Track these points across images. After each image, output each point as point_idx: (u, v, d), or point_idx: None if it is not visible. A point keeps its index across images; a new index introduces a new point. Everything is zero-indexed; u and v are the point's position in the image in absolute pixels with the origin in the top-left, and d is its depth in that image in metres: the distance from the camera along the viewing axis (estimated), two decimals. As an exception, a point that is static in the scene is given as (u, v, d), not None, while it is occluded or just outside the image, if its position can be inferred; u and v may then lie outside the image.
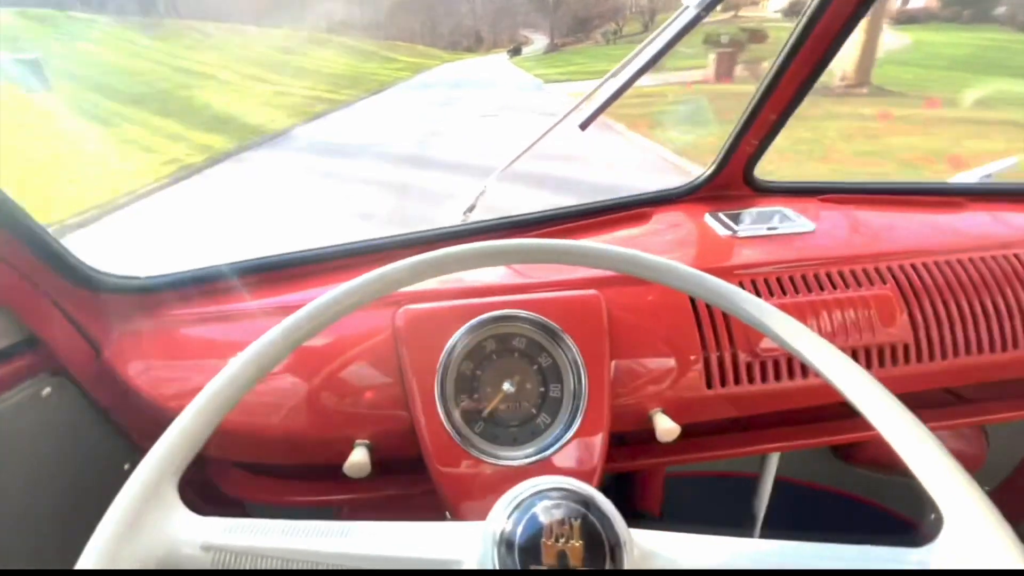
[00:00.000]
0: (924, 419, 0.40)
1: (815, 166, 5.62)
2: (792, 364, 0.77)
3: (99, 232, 4.75)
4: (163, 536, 0.38)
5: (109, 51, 15.09)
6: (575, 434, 0.66)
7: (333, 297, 0.47)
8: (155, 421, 0.55)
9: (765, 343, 0.76)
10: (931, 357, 0.80)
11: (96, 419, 0.76)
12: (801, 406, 0.82)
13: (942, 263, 0.84)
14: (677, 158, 6.11)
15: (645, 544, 0.39)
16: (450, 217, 0.96)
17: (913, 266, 0.83)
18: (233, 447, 0.74)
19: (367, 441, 0.69)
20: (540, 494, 0.41)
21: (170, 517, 0.39)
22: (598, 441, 0.66)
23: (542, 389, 0.69)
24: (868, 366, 0.79)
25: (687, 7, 0.77)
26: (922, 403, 0.92)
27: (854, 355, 0.77)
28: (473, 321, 0.69)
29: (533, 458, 0.65)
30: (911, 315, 0.80)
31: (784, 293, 0.80)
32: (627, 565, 0.38)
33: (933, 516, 0.38)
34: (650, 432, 0.70)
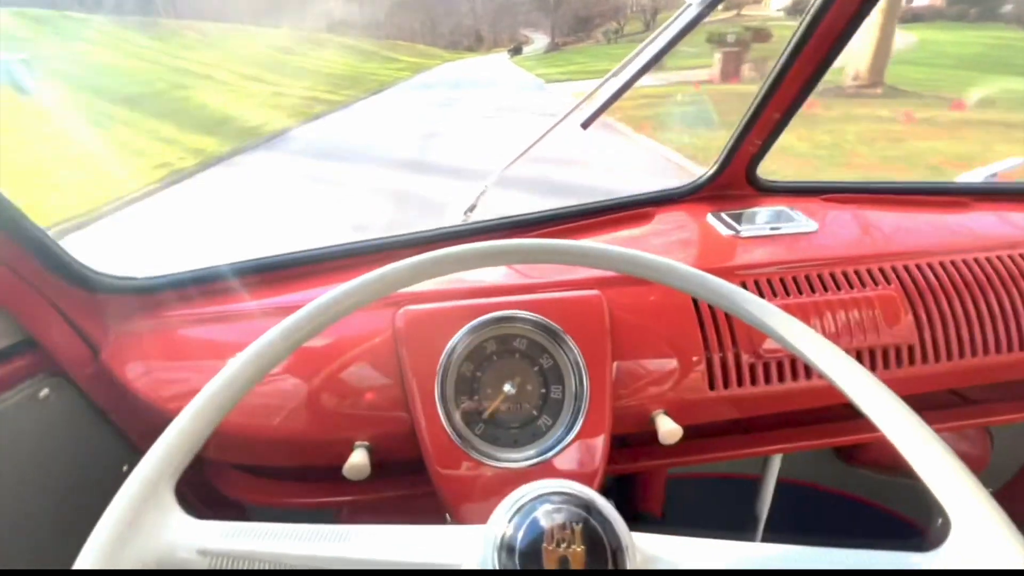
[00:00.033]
0: (928, 421, 0.39)
1: (837, 172, 5.42)
2: (795, 365, 0.77)
3: (77, 243, 4.57)
4: (159, 540, 0.37)
5: (105, 51, 14.99)
6: (576, 436, 0.65)
7: (333, 298, 0.47)
8: (153, 422, 0.55)
9: (768, 344, 0.75)
10: (936, 358, 0.79)
11: (94, 420, 0.75)
12: (804, 408, 0.82)
13: (947, 263, 0.83)
14: (685, 161, 5.90)
15: (647, 548, 0.39)
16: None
17: (918, 266, 0.83)
18: (232, 449, 0.74)
19: (367, 443, 0.68)
20: (541, 498, 0.40)
21: (167, 520, 0.38)
22: (600, 443, 0.66)
23: (543, 390, 0.68)
24: (872, 367, 0.78)
25: (689, 5, 0.76)
26: (926, 404, 0.91)
27: (858, 356, 0.77)
28: (474, 322, 0.68)
29: (534, 460, 0.64)
30: (915, 316, 0.80)
31: (787, 293, 0.80)
32: (629, 569, 0.37)
33: (940, 521, 0.38)
34: (652, 434, 0.70)
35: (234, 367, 0.43)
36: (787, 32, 0.85)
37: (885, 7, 8.64)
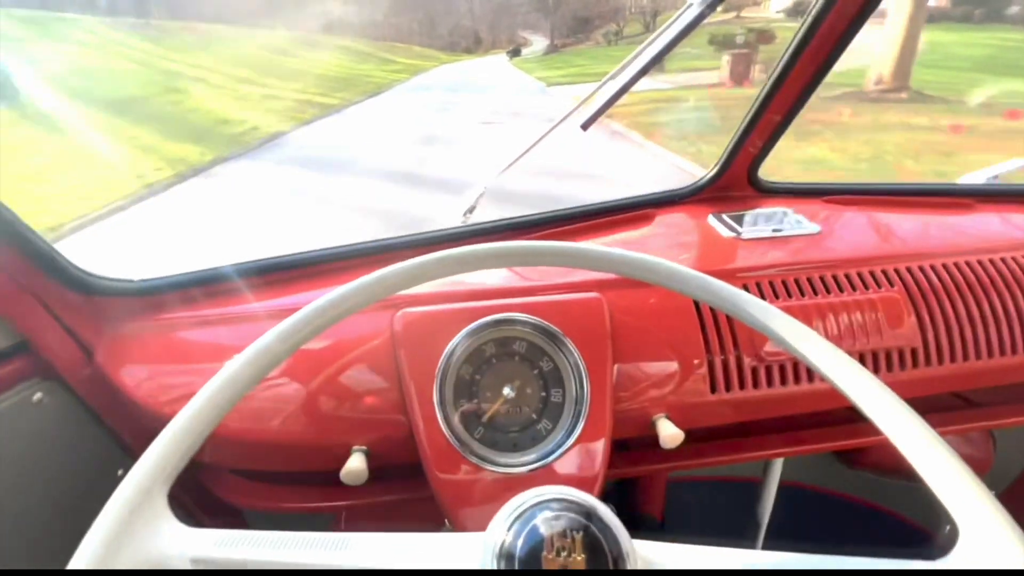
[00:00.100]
0: (931, 424, 0.39)
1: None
2: (797, 368, 0.76)
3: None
4: (152, 547, 0.37)
5: (94, 53, 14.66)
6: (576, 440, 0.65)
7: (330, 300, 0.46)
8: (149, 426, 0.54)
9: (770, 347, 0.75)
10: (939, 361, 0.79)
11: (89, 424, 0.75)
12: (806, 411, 0.81)
13: (950, 265, 0.83)
14: (699, 171, 5.48)
15: (648, 555, 0.39)
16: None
17: (921, 268, 0.82)
18: (228, 453, 0.73)
19: (364, 447, 0.68)
20: (541, 504, 0.40)
21: (159, 529, 0.38)
22: (600, 447, 0.65)
23: (543, 394, 0.68)
24: (875, 370, 0.77)
25: (690, 5, 0.76)
26: (930, 407, 0.90)
27: (861, 359, 0.76)
28: (473, 325, 0.68)
29: (534, 464, 0.64)
30: (918, 318, 0.79)
31: (789, 296, 0.79)
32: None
33: (948, 528, 0.37)
34: (652, 437, 0.69)
35: (231, 370, 0.43)
36: (787, 34, 0.85)
37: (911, 6, 8.00)
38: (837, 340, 0.76)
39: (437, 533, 0.40)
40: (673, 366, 0.74)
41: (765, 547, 0.40)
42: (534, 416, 0.67)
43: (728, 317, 0.76)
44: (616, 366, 0.71)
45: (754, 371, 0.75)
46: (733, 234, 0.92)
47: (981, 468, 1.06)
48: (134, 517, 0.37)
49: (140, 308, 0.76)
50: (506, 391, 0.66)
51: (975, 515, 0.36)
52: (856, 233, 0.93)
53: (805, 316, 0.77)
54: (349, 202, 5.35)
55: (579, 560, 0.37)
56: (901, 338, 0.78)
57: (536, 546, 0.37)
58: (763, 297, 0.76)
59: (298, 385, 0.69)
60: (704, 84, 10.51)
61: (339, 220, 4.77)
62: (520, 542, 0.38)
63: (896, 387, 0.41)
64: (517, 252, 0.52)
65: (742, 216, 0.96)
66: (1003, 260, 0.84)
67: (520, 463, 0.64)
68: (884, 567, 0.37)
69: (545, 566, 0.36)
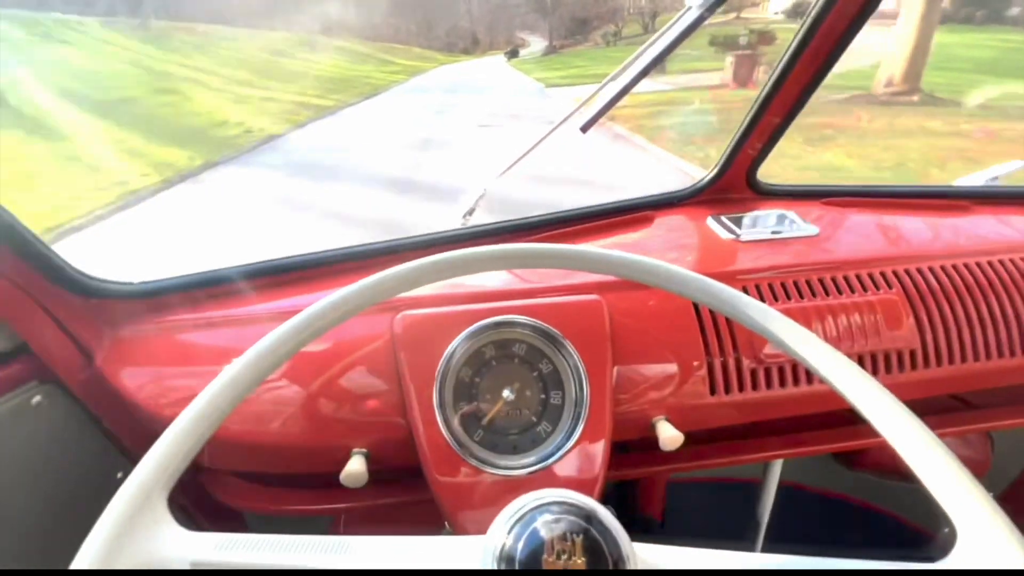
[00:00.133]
0: (930, 426, 0.39)
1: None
2: (797, 370, 0.76)
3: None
4: (152, 551, 0.37)
5: (87, 54, 14.42)
6: (576, 442, 0.65)
7: (330, 303, 0.46)
8: (148, 429, 0.54)
9: (769, 349, 0.75)
10: (938, 362, 0.79)
11: (88, 427, 0.74)
12: (806, 413, 0.81)
13: (948, 267, 0.83)
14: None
15: (648, 557, 0.39)
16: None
17: (919, 270, 0.83)
18: (228, 456, 0.73)
19: (364, 450, 0.67)
20: (541, 507, 0.40)
21: (159, 532, 0.38)
22: (600, 449, 0.65)
23: (543, 396, 0.68)
24: (873, 372, 0.78)
25: (690, 7, 0.76)
26: (928, 409, 0.91)
27: (860, 361, 0.76)
28: (472, 327, 0.68)
29: (534, 467, 0.64)
30: (917, 320, 0.79)
31: (788, 298, 0.79)
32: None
33: (947, 530, 0.37)
34: (652, 440, 0.69)
35: (231, 373, 0.43)
36: (787, 35, 0.85)
37: (924, 5, 7.72)
38: (836, 342, 0.76)
39: (437, 536, 0.41)
40: (673, 368, 0.74)
41: (765, 548, 0.40)
42: (534, 418, 0.67)
43: (727, 319, 0.76)
44: (616, 368, 0.71)
45: (753, 373, 0.75)
46: (732, 236, 0.92)
47: (979, 470, 1.07)
48: (134, 521, 0.37)
49: (140, 311, 0.76)
50: (506, 393, 0.66)
51: (973, 517, 0.36)
52: (855, 235, 0.94)
53: (804, 318, 0.77)
54: (339, 210, 5.05)
55: (579, 563, 0.37)
56: (899, 340, 0.78)
57: (536, 549, 0.37)
58: (762, 299, 0.77)
59: (298, 387, 0.69)
60: (707, 86, 10.41)
61: (325, 232, 4.45)
62: (520, 545, 0.38)
63: (894, 389, 0.42)
64: (517, 254, 0.52)
65: (741, 218, 0.96)
66: (1000, 262, 0.84)
67: (520, 465, 0.64)
68: (883, 568, 0.37)
69: (545, 568, 0.37)
